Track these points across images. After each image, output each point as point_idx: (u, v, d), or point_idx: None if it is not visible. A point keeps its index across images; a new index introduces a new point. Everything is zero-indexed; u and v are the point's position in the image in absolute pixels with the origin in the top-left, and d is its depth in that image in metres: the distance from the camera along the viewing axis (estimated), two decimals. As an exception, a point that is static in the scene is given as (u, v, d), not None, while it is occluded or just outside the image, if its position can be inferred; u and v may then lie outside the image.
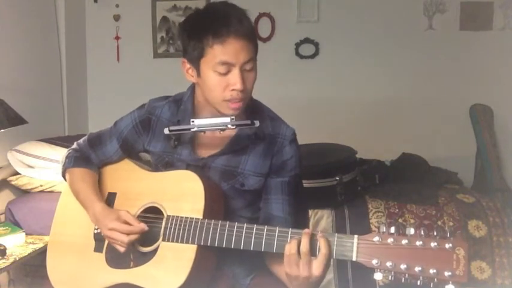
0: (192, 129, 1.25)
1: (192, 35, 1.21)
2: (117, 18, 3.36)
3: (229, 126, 1.23)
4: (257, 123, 1.23)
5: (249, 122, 1.23)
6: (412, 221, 2.27)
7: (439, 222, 2.23)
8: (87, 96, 3.44)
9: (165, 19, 3.33)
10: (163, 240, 1.24)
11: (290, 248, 1.09)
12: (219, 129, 1.25)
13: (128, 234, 1.23)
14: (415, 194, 2.42)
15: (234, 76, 1.19)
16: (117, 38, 3.38)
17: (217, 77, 1.20)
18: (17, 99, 2.24)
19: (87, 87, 3.43)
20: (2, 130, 2.00)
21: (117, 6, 3.34)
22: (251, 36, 1.21)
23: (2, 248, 1.89)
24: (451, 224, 2.23)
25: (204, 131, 1.26)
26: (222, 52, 1.17)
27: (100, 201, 1.34)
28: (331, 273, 2.25)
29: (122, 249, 1.25)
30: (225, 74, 1.19)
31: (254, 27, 1.25)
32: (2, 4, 2.51)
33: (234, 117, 1.23)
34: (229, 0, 1.28)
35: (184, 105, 1.35)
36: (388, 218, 2.29)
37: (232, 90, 1.20)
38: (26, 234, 2.11)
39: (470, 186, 2.93)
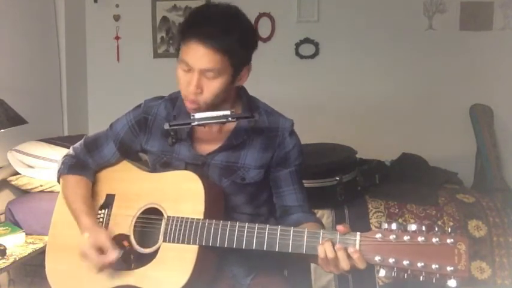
0: (192, 124, 1.25)
1: (178, 30, 1.25)
2: (117, 18, 3.36)
3: (230, 119, 1.23)
4: (257, 116, 1.25)
5: (249, 114, 1.25)
6: (412, 221, 2.27)
7: (439, 222, 2.23)
8: (87, 96, 3.44)
9: (165, 19, 3.33)
10: (164, 241, 1.23)
11: (327, 252, 1.08)
12: (219, 123, 1.25)
13: (97, 264, 1.22)
14: (415, 194, 2.42)
15: (191, 78, 1.21)
16: (117, 38, 3.38)
17: (182, 72, 1.22)
18: (17, 99, 2.23)
19: (87, 87, 3.43)
20: (2, 130, 2.00)
21: (117, 6, 3.34)
22: (220, 47, 1.16)
23: (2, 248, 1.89)
24: (451, 224, 2.23)
25: (204, 125, 1.25)
26: (184, 52, 1.20)
27: (88, 215, 1.32)
28: (331, 273, 2.25)
29: (95, 272, 1.25)
30: (187, 72, 1.21)
31: (238, 42, 1.19)
32: (2, 4, 2.51)
33: (233, 110, 1.24)
34: (229, 0, 1.28)
35: (179, 101, 1.36)
36: (388, 218, 2.29)
37: (187, 89, 1.22)
38: (26, 234, 2.11)
39: (470, 186, 2.94)
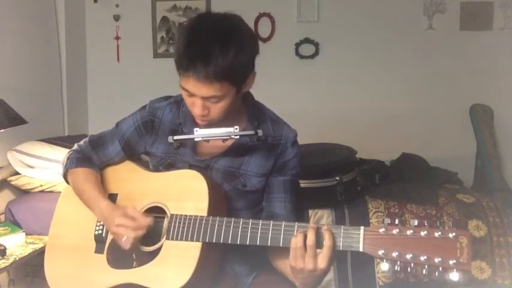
0: (195, 139, 1.26)
1: (175, 46, 1.20)
2: (117, 18, 3.36)
3: (233, 136, 1.24)
4: (260, 132, 1.24)
5: (252, 132, 1.24)
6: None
7: (439, 222, 2.23)
8: (87, 96, 3.44)
9: (165, 19, 3.33)
10: (167, 238, 1.23)
11: (296, 242, 1.10)
12: (222, 139, 1.25)
13: (135, 229, 1.23)
14: (415, 194, 2.42)
15: (196, 104, 1.20)
16: (117, 38, 3.38)
17: (185, 94, 1.21)
18: (17, 99, 2.23)
19: (87, 87, 3.43)
20: (2, 130, 2.00)
21: (117, 6, 3.34)
22: (216, 78, 1.13)
23: (2, 248, 1.89)
24: (450, 224, 2.23)
25: (207, 141, 1.26)
26: (185, 82, 1.17)
27: (105, 199, 1.34)
28: (331, 273, 2.25)
29: (127, 246, 1.24)
30: (190, 96, 1.20)
31: (235, 63, 1.13)
32: (2, 4, 2.51)
33: (237, 127, 1.23)
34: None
35: (185, 107, 1.35)
36: (388, 218, 2.29)
37: (193, 112, 1.22)
38: (26, 234, 2.11)
39: (470, 186, 2.94)
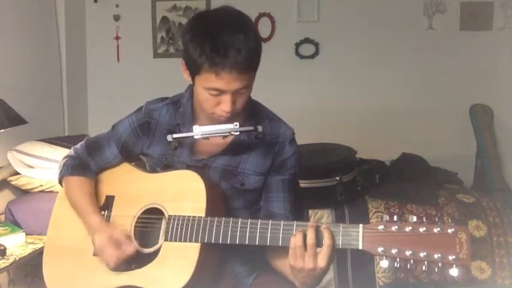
0: (195, 136, 1.25)
1: (192, 49, 1.17)
2: (117, 18, 3.36)
3: (233, 133, 1.23)
4: (260, 128, 1.24)
5: (252, 128, 1.24)
6: (412, 220, 2.27)
7: (439, 223, 2.22)
8: (87, 96, 3.44)
9: (165, 19, 3.33)
10: (166, 240, 1.23)
11: (296, 241, 1.10)
12: (222, 136, 1.25)
13: (116, 256, 1.23)
14: (415, 194, 2.42)
15: (225, 101, 1.19)
16: (117, 38, 3.38)
17: (209, 96, 1.20)
18: (17, 99, 2.23)
19: (87, 87, 3.43)
20: (2, 130, 2.00)
21: (117, 6, 3.34)
22: (248, 66, 1.16)
23: (2, 248, 1.89)
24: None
25: (207, 138, 1.26)
26: (215, 81, 1.16)
27: (97, 214, 1.33)
28: (331, 273, 2.25)
29: (110, 267, 1.25)
30: (216, 95, 1.19)
31: (255, 50, 1.17)
32: (2, 4, 2.51)
33: (237, 123, 1.23)
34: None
35: (183, 107, 1.35)
36: (387, 215, 2.29)
37: (222, 109, 1.21)
38: (26, 234, 2.11)
39: (470, 186, 2.94)
